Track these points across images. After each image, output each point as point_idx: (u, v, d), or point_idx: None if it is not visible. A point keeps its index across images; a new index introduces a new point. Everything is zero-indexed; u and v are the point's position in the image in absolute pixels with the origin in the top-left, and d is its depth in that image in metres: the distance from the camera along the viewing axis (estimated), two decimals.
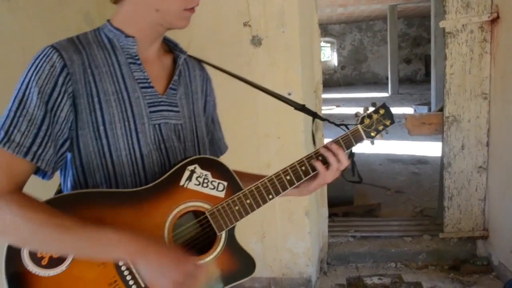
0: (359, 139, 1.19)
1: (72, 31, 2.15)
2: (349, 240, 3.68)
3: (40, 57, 0.96)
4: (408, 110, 10.30)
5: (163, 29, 1.08)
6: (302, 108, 1.30)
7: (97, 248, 0.91)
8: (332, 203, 3.81)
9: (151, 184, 1.01)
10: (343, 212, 4.27)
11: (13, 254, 0.90)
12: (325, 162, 1.15)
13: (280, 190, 1.11)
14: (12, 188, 0.89)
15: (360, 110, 1.25)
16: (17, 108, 0.92)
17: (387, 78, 15.40)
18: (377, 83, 18.12)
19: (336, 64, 19.47)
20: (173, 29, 1.08)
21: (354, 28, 18.85)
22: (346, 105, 12.65)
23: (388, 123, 1.22)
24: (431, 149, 6.54)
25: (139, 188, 1.00)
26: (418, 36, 18.36)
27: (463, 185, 3.33)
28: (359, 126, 1.20)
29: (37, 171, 0.96)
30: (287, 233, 3.06)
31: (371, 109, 1.23)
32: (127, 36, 1.05)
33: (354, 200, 4.44)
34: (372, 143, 1.23)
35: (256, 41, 2.83)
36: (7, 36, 1.71)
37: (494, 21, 3.02)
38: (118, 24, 1.06)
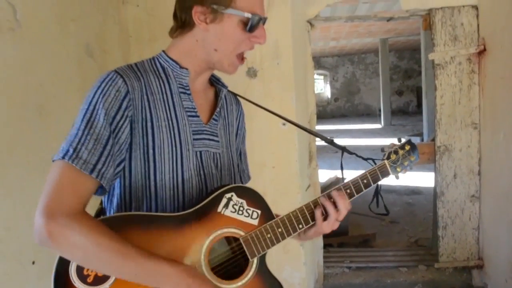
0: (385, 174, 1.24)
1: (73, 61, 2.22)
2: (345, 271, 3.67)
3: (106, 80, 1.02)
4: None
5: (213, 67, 1.18)
6: (331, 142, 1.38)
7: (151, 278, 0.97)
8: (327, 234, 3.80)
9: (192, 209, 1.06)
10: (338, 242, 4.25)
11: (62, 269, 0.95)
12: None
13: (310, 220, 1.17)
14: (80, 207, 0.95)
15: (386, 145, 1.29)
16: (85, 127, 0.97)
17: (379, 110, 15.58)
18: (370, 114, 18.33)
19: (329, 96, 19.73)
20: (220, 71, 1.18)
21: (347, 61, 19.20)
22: (339, 136, 12.75)
23: (412, 159, 1.26)
24: (424, 179, 6.58)
25: (182, 213, 1.06)
26: (409, 69, 18.72)
27: (456, 214, 3.35)
28: (386, 161, 1.24)
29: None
30: (282, 263, 3.04)
31: (397, 144, 1.27)
32: (181, 67, 1.14)
33: (348, 231, 4.43)
34: (397, 177, 1.27)
35: (251, 73, 2.90)
36: (11, 65, 1.75)
37: (481, 53, 3.12)
38: (174, 55, 1.15)
